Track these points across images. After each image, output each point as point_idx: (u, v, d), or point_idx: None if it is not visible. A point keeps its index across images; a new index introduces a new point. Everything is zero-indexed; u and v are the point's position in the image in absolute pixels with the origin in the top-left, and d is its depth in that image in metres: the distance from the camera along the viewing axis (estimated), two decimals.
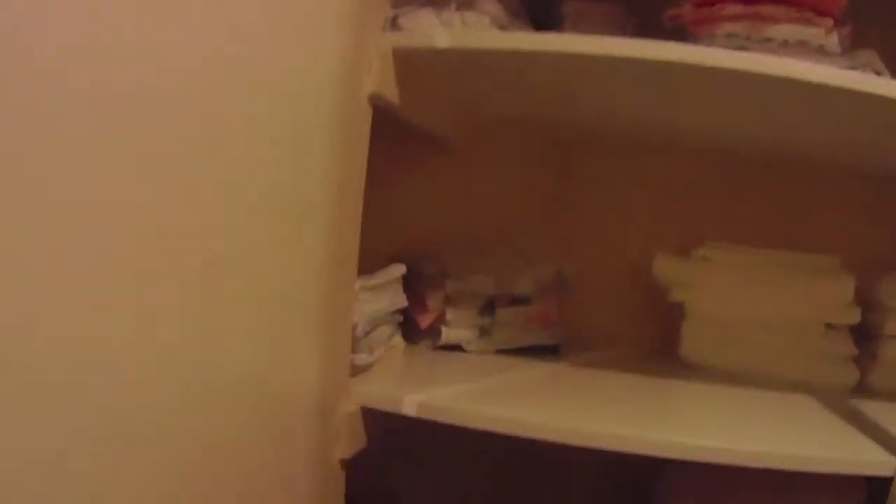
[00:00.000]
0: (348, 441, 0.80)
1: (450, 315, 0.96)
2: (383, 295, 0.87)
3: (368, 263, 0.83)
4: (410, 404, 0.78)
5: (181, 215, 0.54)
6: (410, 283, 0.93)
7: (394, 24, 0.82)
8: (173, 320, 0.54)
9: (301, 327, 0.74)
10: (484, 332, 0.99)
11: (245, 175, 0.62)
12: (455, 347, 0.98)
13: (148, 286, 0.51)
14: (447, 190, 1.17)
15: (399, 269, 0.88)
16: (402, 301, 0.90)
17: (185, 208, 0.54)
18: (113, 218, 0.47)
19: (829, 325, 0.95)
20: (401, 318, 0.93)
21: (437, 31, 0.80)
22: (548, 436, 0.76)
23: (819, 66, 0.73)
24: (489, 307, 0.98)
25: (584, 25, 0.95)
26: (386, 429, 0.87)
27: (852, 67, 0.77)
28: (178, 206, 0.53)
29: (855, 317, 0.94)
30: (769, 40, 0.81)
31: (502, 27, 0.86)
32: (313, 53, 0.71)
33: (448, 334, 0.96)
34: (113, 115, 0.46)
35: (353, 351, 0.81)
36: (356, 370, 0.83)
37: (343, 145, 0.76)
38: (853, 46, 0.84)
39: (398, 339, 0.93)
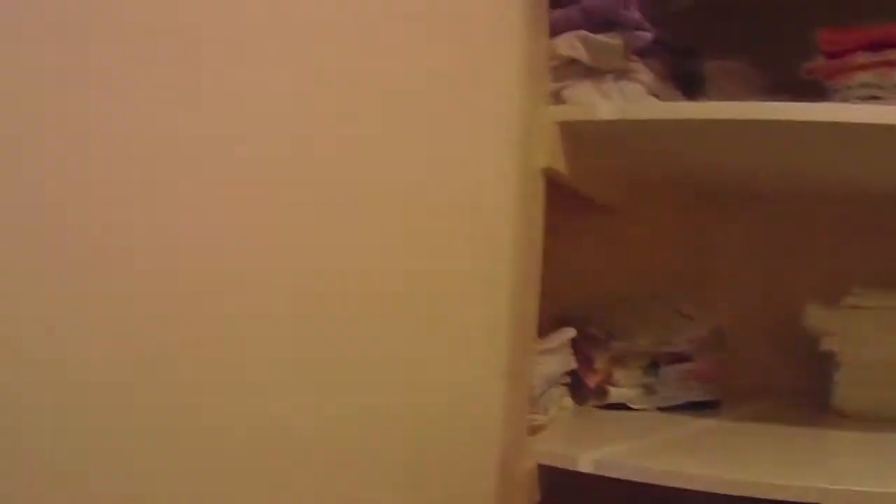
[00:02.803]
0: (525, 498, 0.82)
1: (616, 375, 0.97)
2: (556, 357, 0.89)
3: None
4: (587, 462, 0.80)
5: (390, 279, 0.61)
6: (576, 343, 0.95)
7: (557, 97, 0.86)
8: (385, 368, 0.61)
9: (489, 388, 0.77)
10: (648, 390, 1.00)
11: (444, 242, 0.69)
12: (621, 405, 0.99)
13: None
14: (602, 249, 1.19)
15: (569, 332, 0.91)
16: (571, 363, 0.92)
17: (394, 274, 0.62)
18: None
19: None
20: (569, 379, 0.94)
21: (600, 104, 0.85)
22: (718, 488, 0.78)
23: None
24: (653, 366, 0.99)
25: (724, 86, 0.98)
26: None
27: None
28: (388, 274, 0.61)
29: None
30: None
31: (655, 94, 0.89)
32: (491, 130, 0.76)
33: (615, 394, 0.98)
34: None
35: (530, 411, 0.83)
36: (532, 429, 0.85)
37: (521, 216, 0.80)
38: None
39: (568, 400, 0.94)
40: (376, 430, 0.61)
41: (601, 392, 0.98)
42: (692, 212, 1.19)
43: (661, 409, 1.01)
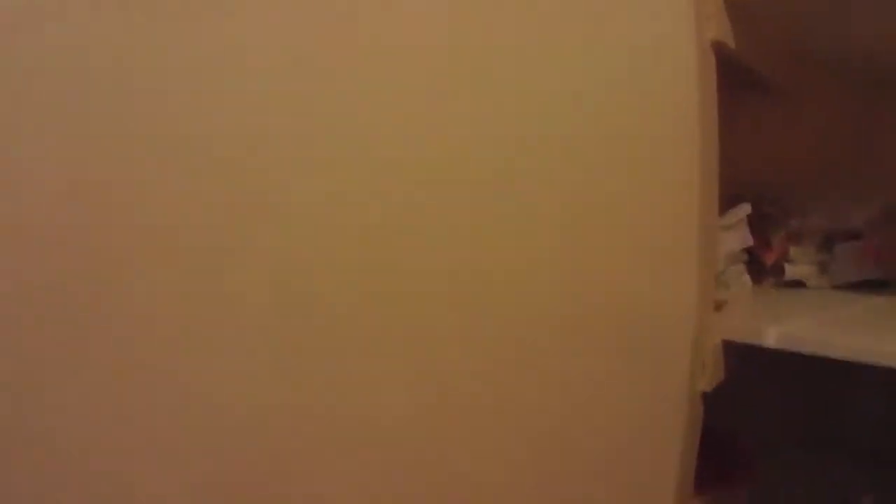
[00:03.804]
0: (712, 374, 0.88)
1: (793, 252, 1.02)
2: (734, 234, 0.95)
3: None
4: (771, 336, 0.86)
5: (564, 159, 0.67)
6: (752, 220, 1.00)
7: None
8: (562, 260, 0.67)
9: (681, 265, 0.84)
10: (823, 267, 1.04)
11: (627, 120, 0.75)
12: (795, 283, 1.04)
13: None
14: (771, 130, 1.22)
15: (745, 209, 0.96)
16: (749, 239, 0.98)
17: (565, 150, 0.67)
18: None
19: None
20: (746, 257, 1.00)
21: None
22: None
23: None
24: (827, 243, 1.04)
25: None
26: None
27: None
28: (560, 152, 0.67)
29: None
30: None
31: None
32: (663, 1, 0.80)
33: (791, 271, 1.03)
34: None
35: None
36: (716, 305, 0.91)
37: (699, 88, 0.85)
38: None
39: (746, 277, 1.00)
40: (586, 311, 0.69)
41: (777, 269, 1.03)
42: (862, 90, 1.19)
43: (835, 288, 1.05)
